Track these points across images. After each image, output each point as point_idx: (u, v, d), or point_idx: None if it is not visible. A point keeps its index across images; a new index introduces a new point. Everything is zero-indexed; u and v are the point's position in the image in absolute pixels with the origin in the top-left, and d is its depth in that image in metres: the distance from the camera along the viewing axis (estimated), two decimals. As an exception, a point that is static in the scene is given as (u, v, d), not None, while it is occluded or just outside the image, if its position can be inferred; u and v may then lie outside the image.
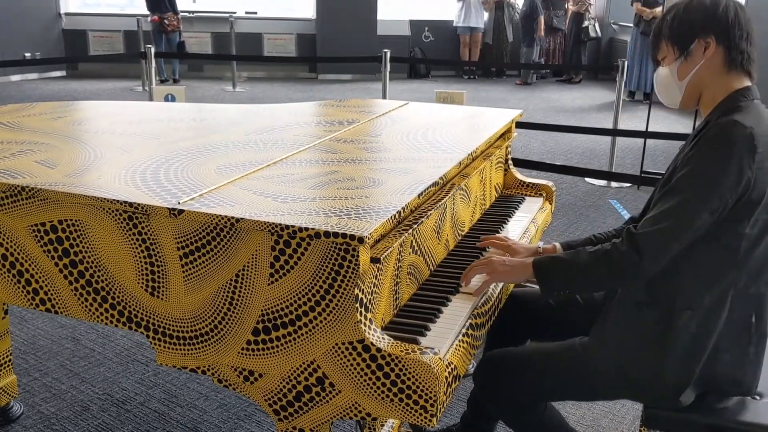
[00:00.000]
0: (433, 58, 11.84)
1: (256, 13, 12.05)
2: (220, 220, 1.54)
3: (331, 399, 1.53)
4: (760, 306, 1.72)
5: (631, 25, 9.93)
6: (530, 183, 2.76)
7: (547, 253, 1.99)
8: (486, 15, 12.08)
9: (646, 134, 5.85)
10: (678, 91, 1.77)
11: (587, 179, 6.13)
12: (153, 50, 6.26)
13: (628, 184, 5.98)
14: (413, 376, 1.44)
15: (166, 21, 10.34)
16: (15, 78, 10.67)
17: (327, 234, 1.45)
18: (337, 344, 1.49)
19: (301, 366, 1.54)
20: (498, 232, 2.29)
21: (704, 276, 1.66)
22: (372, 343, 1.46)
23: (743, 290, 1.68)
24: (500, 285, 1.96)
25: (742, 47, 1.70)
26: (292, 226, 1.48)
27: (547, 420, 1.98)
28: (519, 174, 2.78)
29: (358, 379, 1.49)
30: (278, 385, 1.57)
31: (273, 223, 1.49)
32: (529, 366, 1.89)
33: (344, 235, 1.45)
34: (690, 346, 1.68)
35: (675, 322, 1.68)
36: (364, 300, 1.50)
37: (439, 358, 1.47)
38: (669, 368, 1.69)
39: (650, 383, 1.73)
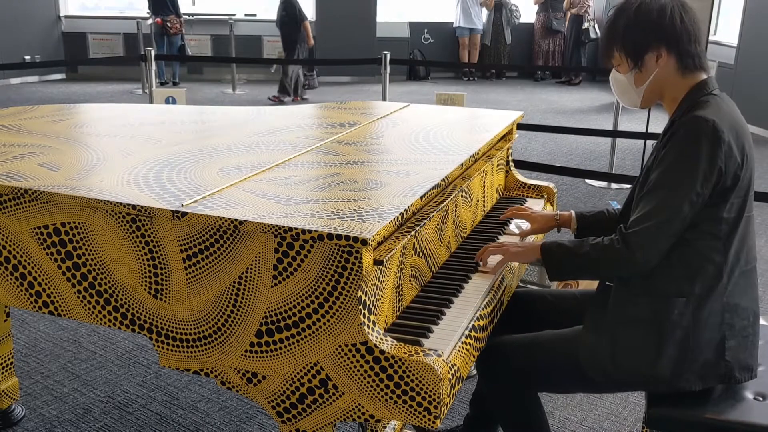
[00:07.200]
0: (432, 59, 11.84)
1: (255, 15, 12.05)
2: (223, 223, 1.55)
3: (334, 401, 1.53)
4: (748, 287, 1.77)
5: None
6: (531, 184, 2.76)
7: (563, 220, 2.15)
8: (485, 16, 12.07)
9: (645, 135, 5.84)
10: (636, 96, 1.86)
11: (587, 180, 6.13)
12: (153, 53, 6.24)
13: (628, 185, 5.97)
14: (416, 378, 1.44)
15: (168, 23, 10.34)
16: (15, 81, 10.67)
17: (330, 236, 1.46)
18: (340, 346, 1.49)
19: (304, 368, 1.54)
20: (500, 234, 2.29)
21: (692, 263, 1.71)
22: (375, 345, 1.46)
23: (730, 274, 1.72)
24: (503, 286, 1.96)
25: (692, 51, 1.76)
26: (295, 229, 1.48)
27: (536, 413, 1.99)
28: (520, 175, 2.79)
29: (362, 381, 1.49)
30: (281, 388, 1.58)
31: (276, 226, 1.49)
32: (532, 348, 1.91)
33: (347, 237, 1.45)
34: (686, 335, 1.72)
35: (671, 310, 1.72)
36: (367, 302, 1.50)
37: (443, 360, 1.47)
38: (666, 356, 1.72)
39: (645, 372, 1.75)
